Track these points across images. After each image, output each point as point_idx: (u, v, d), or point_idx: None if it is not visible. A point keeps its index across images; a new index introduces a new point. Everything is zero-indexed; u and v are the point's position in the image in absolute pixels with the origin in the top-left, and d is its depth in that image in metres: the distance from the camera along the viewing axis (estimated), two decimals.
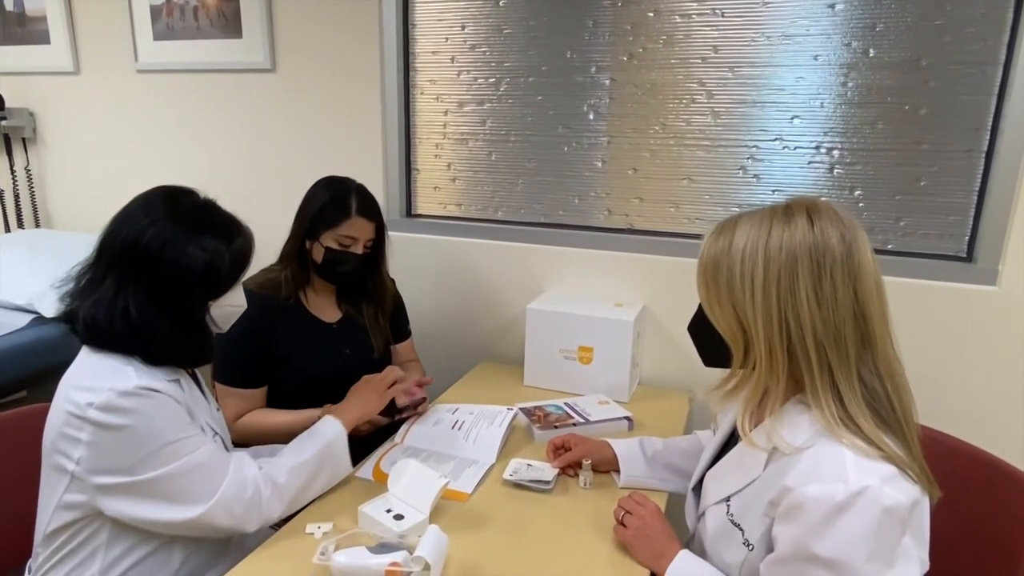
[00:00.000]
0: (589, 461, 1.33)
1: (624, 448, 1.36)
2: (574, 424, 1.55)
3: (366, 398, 1.41)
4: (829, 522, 0.82)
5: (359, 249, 1.57)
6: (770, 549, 0.91)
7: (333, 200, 1.55)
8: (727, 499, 1.01)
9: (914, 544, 0.85)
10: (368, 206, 1.58)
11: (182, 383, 1.12)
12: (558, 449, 1.40)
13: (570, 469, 1.37)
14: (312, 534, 1.14)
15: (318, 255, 1.56)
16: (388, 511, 1.14)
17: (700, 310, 1.03)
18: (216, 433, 1.17)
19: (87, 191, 2.54)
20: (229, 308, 1.15)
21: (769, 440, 0.93)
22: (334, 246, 1.55)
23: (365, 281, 1.68)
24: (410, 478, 1.19)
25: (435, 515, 1.17)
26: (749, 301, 0.90)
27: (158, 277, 1.05)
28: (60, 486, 1.05)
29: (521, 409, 1.59)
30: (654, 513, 1.12)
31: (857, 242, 0.89)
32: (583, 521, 1.21)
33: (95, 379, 1.02)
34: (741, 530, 0.97)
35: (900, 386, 0.91)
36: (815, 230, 0.88)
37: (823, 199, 0.93)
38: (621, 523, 1.13)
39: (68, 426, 1.02)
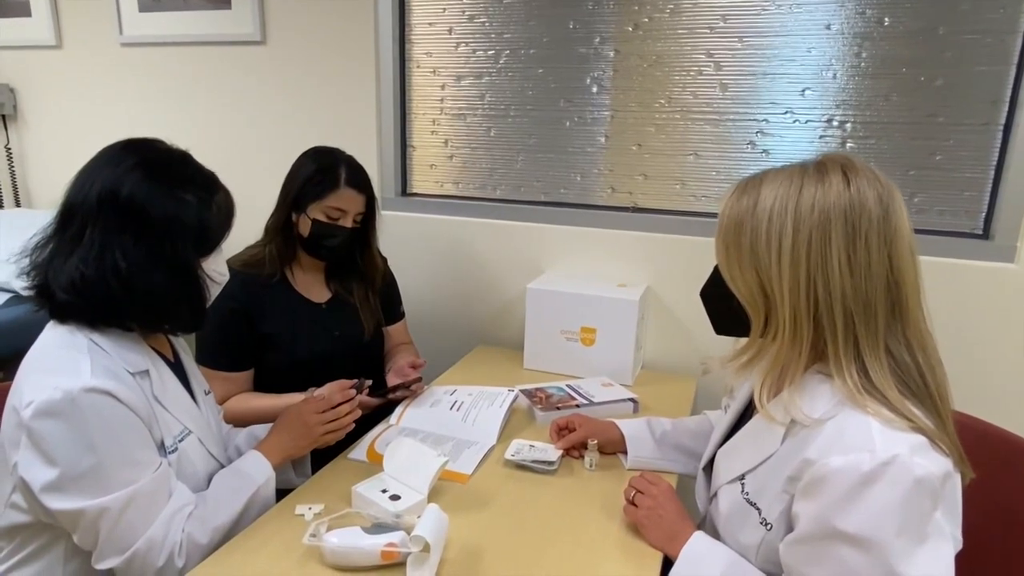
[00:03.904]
0: (595, 442, 1.27)
1: (631, 428, 1.30)
2: (577, 406, 1.48)
3: (294, 433, 1.19)
4: (855, 495, 0.76)
5: (348, 223, 1.50)
6: (790, 528, 0.85)
7: (321, 170, 1.48)
8: (741, 477, 0.95)
9: (946, 520, 0.79)
10: (358, 177, 1.51)
11: (152, 375, 1.01)
12: (562, 430, 1.33)
13: (574, 451, 1.31)
14: (302, 515, 1.07)
15: (304, 228, 1.49)
16: (384, 491, 1.07)
17: (715, 274, 0.96)
18: (177, 444, 1.03)
19: (70, 170, 2.40)
20: (212, 272, 1.06)
21: (787, 413, 0.87)
22: (322, 219, 1.47)
23: (354, 258, 1.60)
24: (407, 457, 1.13)
25: (433, 496, 1.10)
26: (775, 265, 0.84)
27: (146, 228, 0.95)
28: (7, 484, 0.96)
29: (522, 391, 1.53)
30: (666, 493, 1.06)
31: (895, 203, 0.82)
32: (589, 503, 1.15)
33: (47, 371, 0.92)
34: (758, 509, 0.91)
35: (933, 359, 0.84)
36: (851, 189, 0.81)
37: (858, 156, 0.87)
38: (632, 503, 1.07)
39: (9, 423, 0.92)
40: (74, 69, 2.36)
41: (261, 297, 1.49)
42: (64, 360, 0.93)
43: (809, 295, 0.83)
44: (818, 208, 0.82)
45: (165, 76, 2.22)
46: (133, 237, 0.95)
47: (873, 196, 0.81)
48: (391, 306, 1.75)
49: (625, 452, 1.28)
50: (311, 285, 1.59)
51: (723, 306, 0.94)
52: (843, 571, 0.77)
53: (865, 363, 0.82)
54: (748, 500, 0.93)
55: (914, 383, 0.82)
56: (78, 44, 2.33)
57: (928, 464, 0.76)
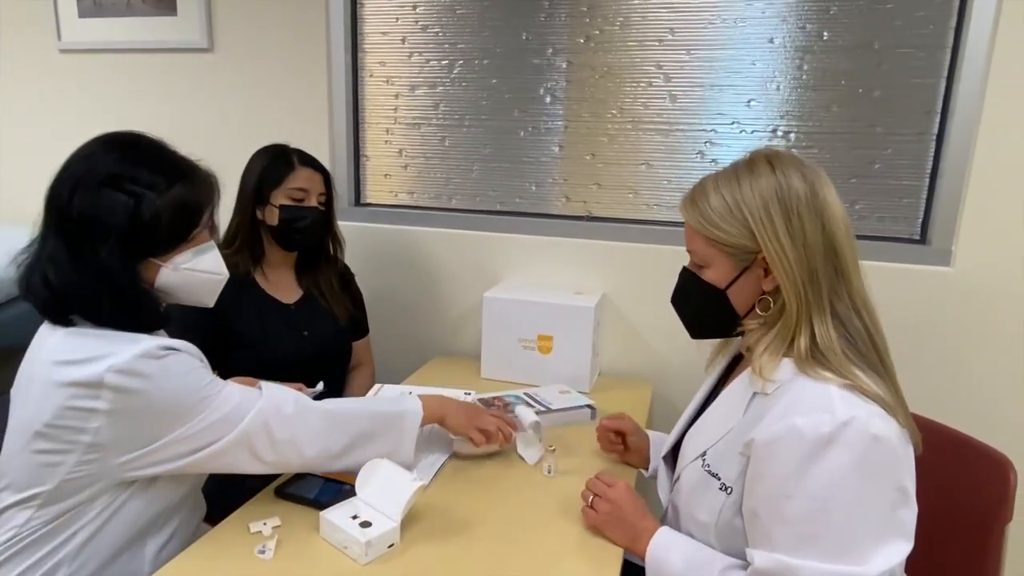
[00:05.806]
0: (553, 448, 1.27)
1: (656, 438, 1.30)
2: (535, 413, 1.48)
3: (463, 409, 1.24)
4: (815, 456, 0.80)
5: (313, 202, 1.54)
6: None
7: (274, 159, 1.55)
8: (703, 454, 0.98)
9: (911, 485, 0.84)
10: (310, 158, 1.58)
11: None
12: (609, 431, 1.32)
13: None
14: (259, 532, 1.03)
15: (273, 218, 1.52)
16: (354, 517, 1.02)
17: (683, 280, 1.02)
18: None
19: (5, 183, 2.34)
20: (200, 274, 1.04)
21: (752, 383, 0.93)
22: (288, 203, 1.52)
23: (324, 244, 1.64)
24: (379, 480, 1.07)
25: None
26: (773, 245, 0.90)
27: (71, 225, 0.93)
28: (70, 458, 0.92)
29: (479, 400, 1.51)
30: (624, 494, 1.06)
31: (820, 182, 0.91)
32: (550, 507, 1.14)
33: (97, 349, 0.90)
34: (717, 477, 0.94)
35: (876, 320, 0.92)
36: (777, 174, 0.91)
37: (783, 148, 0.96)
38: (590, 507, 1.07)
39: (76, 399, 0.89)
40: (9, 77, 2.26)
41: (232, 296, 1.48)
42: (113, 339, 0.92)
43: (768, 271, 0.92)
44: (757, 194, 0.91)
45: (107, 84, 2.15)
46: (64, 239, 0.93)
47: (797, 176, 0.90)
48: (356, 320, 1.75)
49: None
50: (280, 285, 1.61)
51: (698, 309, 1.00)
52: (803, 531, 0.80)
53: (814, 329, 0.88)
54: (709, 472, 0.96)
55: (863, 345, 0.89)
56: (13, 50, 2.23)
57: (885, 427, 0.81)
